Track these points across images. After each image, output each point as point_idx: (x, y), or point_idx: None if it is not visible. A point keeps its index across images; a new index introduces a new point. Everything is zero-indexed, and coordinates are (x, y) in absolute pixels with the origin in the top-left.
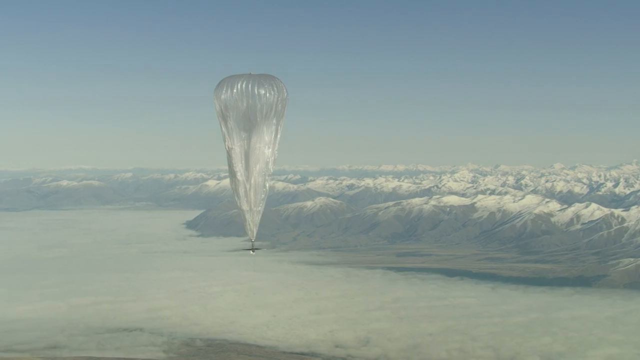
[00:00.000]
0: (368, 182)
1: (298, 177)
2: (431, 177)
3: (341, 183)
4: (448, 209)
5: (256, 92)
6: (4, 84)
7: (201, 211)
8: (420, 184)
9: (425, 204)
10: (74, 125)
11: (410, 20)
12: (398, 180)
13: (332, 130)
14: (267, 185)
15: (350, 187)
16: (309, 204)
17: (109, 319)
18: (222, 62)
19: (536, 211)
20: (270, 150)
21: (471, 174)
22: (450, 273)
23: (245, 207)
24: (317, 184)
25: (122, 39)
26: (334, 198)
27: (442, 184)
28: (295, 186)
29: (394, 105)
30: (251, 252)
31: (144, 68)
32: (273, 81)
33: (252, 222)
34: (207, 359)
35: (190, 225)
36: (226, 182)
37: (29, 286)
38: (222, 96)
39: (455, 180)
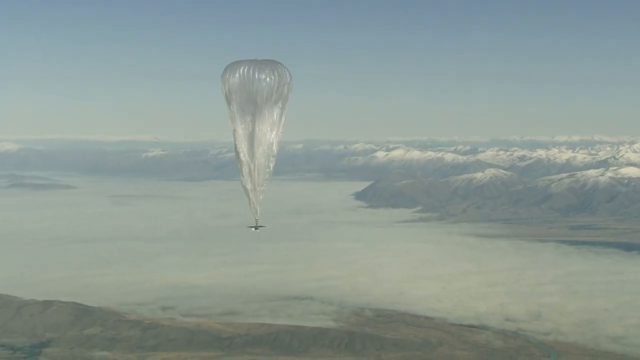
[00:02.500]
0: (540, 153)
1: (468, 148)
2: (608, 148)
3: (512, 154)
4: (626, 180)
5: (257, 76)
6: (197, 61)
7: (370, 182)
8: (596, 155)
9: (601, 175)
10: None
11: None
12: (572, 151)
13: (504, 101)
14: (270, 166)
15: (522, 158)
16: (478, 175)
17: (281, 287)
18: None
19: None
20: (273, 133)
21: None
22: (628, 247)
23: (249, 186)
24: (487, 155)
25: None
26: (505, 169)
27: (620, 155)
28: (465, 157)
29: (570, 76)
30: (253, 229)
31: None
32: (275, 66)
33: (256, 200)
34: (376, 328)
35: (359, 196)
36: (396, 153)
37: (206, 254)
38: (226, 80)
39: (635, 151)
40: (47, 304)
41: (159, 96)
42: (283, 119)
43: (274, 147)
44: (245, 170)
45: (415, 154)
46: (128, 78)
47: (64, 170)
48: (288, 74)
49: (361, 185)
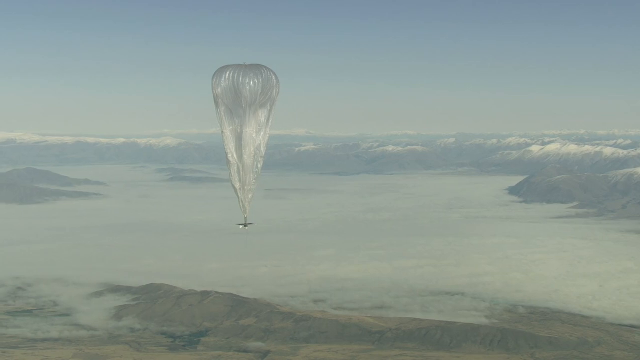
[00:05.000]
0: None
1: (629, 142)
2: None
3: None
4: None
5: (241, 80)
6: (354, 56)
7: (524, 177)
8: None
9: None
10: (395, 91)
11: None
12: None
13: None
14: (258, 166)
15: None
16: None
17: (432, 282)
18: None
19: None
20: (261, 134)
21: None
22: None
23: (237, 185)
24: None
25: None
26: None
27: None
28: (625, 152)
29: None
30: (241, 226)
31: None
32: (259, 71)
33: (244, 199)
34: (530, 326)
35: (512, 191)
36: (551, 147)
37: (357, 247)
38: (214, 84)
39: None
40: (205, 294)
41: (314, 91)
42: (271, 121)
43: (262, 148)
44: (233, 170)
45: (572, 147)
46: (284, 74)
47: (221, 164)
48: (274, 78)
49: (515, 180)
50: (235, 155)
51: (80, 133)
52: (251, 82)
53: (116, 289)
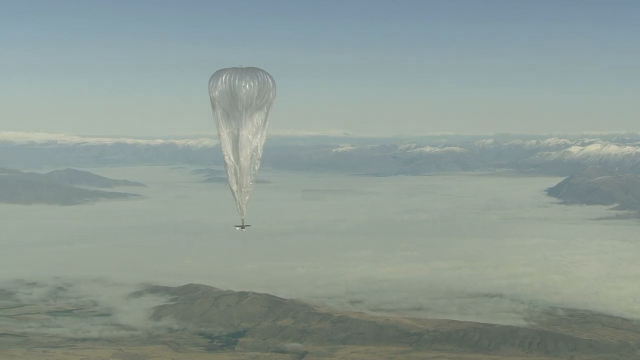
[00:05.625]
0: None
1: None
2: None
3: None
4: None
5: (237, 84)
6: (390, 56)
7: (563, 178)
8: None
9: None
10: (433, 92)
11: None
12: None
13: None
14: (255, 168)
15: None
16: None
17: (469, 283)
18: None
19: None
20: (257, 137)
21: None
22: None
23: (234, 187)
24: None
25: None
26: None
27: None
28: None
29: None
30: (238, 228)
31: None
32: (255, 74)
33: (242, 201)
34: (569, 329)
35: (551, 192)
36: (591, 148)
37: (394, 248)
38: (210, 88)
39: None
40: (242, 295)
41: (351, 92)
42: (267, 124)
43: (259, 151)
44: (230, 172)
45: (613, 148)
46: (322, 74)
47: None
48: (270, 81)
49: (554, 181)
50: (232, 158)
51: (119, 134)
52: (247, 85)
53: (155, 289)
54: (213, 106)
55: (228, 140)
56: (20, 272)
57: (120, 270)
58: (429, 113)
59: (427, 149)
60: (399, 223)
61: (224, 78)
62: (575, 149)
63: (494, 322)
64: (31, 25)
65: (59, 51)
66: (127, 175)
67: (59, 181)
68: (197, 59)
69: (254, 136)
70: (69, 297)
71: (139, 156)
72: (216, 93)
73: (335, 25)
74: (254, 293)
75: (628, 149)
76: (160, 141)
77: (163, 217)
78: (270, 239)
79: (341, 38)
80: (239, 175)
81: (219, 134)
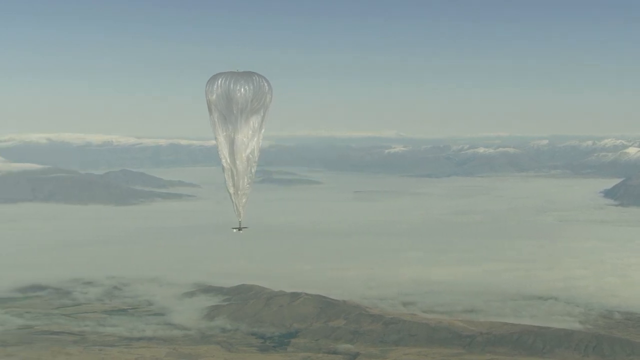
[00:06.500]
0: None
1: None
2: None
3: None
4: None
5: (232, 87)
6: (441, 57)
7: (620, 179)
8: None
9: None
10: (486, 92)
11: None
12: None
13: None
14: (252, 171)
15: None
16: None
17: (523, 285)
18: None
19: None
20: (254, 140)
21: None
22: None
23: (231, 190)
24: None
25: None
26: None
27: None
28: None
29: None
30: (234, 230)
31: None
32: (250, 78)
33: (238, 203)
34: (627, 332)
35: (608, 193)
36: None
37: (446, 250)
38: (207, 91)
39: None
40: (295, 295)
41: (405, 93)
42: (264, 127)
43: (255, 153)
44: (227, 175)
45: None
46: (373, 76)
47: (311, 166)
48: (266, 85)
49: (610, 183)
50: (228, 161)
51: (173, 135)
52: (242, 89)
53: (208, 289)
54: (210, 110)
55: (225, 144)
56: (76, 272)
57: (175, 270)
58: (483, 114)
59: (481, 149)
60: (452, 224)
61: (219, 82)
62: (632, 150)
63: (548, 325)
64: (103, 28)
65: (119, 53)
66: (181, 176)
67: (115, 182)
68: (253, 61)
69: (250, 139)
70: (124, 297)
71: (193, 157)
72: (212, 97)
73: (386, 26)
74: (306, 294)
75: None
76: (214, 142)
77: (216, 218)
78: (323, 240)
79: (394, 39)
80: (235, 178)
81: (215, 138)
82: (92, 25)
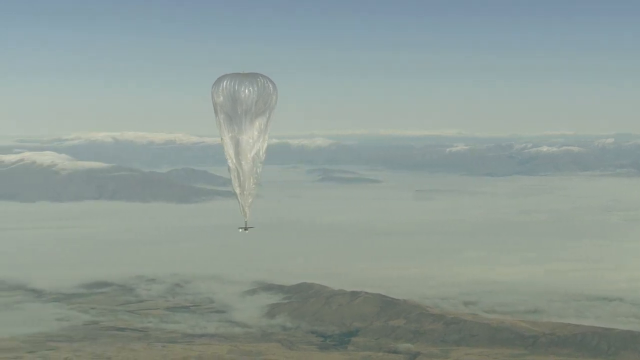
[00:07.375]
0: None
1: None
2: None
3: None
4: None
5: (237, 89)
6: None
7: None
8: None
9: None
10: (550, 90)
11: None
12: None
13: None
14: (258, 171)
15: None
16: None
17: (587, 286)
18: None
19: None
20: (259, 141)
21: None
22: None
23: (237, 190)
24: None
25: None
26: None
27: None
28: None
29: None
30: (240, 230)
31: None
32: (255, 79)
33: (244, 203)
34: None
35: None
36: None
37: (508, 249)
38: (213, 93)
39: None
40: (355, 294)
41: (467, 91)
42: (269, 128)
43: (261, 154)
44: (233, 175)
45: None
46: (435, 75)
47: (371, 165)
48: (271, 86)
49: None
50: (234, 161)
51: None
52: (246, 90)
53: (269, 287)
54: (215, 111)
55: (230, 145)
56: (140, 269)
57: (236, 268)
58: (546, 112)
59: (544, 148)
60: (515, 224)
61: (225, 84)
62: None
63: (613, 327)
64: (153, 32)
65: (182, 56)
66: None
67: (177, 180)
68: (314, 59)
69: (255, 140)
70: (186, 294)
71: None
72: (219, 98)
73: (449, 24)
74: (366, 293)
75: None
76: (274, 141)
77: (277, 217)
78: (383, 239)
79: (458, 38)
80: (242, 178)
81: (221, 138)
82: (162, 28)
